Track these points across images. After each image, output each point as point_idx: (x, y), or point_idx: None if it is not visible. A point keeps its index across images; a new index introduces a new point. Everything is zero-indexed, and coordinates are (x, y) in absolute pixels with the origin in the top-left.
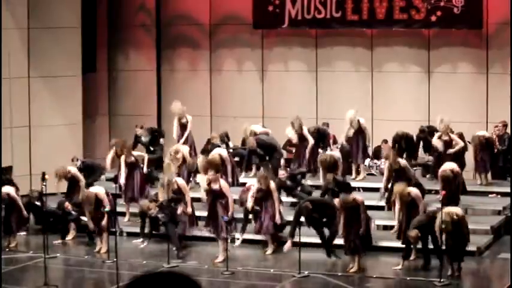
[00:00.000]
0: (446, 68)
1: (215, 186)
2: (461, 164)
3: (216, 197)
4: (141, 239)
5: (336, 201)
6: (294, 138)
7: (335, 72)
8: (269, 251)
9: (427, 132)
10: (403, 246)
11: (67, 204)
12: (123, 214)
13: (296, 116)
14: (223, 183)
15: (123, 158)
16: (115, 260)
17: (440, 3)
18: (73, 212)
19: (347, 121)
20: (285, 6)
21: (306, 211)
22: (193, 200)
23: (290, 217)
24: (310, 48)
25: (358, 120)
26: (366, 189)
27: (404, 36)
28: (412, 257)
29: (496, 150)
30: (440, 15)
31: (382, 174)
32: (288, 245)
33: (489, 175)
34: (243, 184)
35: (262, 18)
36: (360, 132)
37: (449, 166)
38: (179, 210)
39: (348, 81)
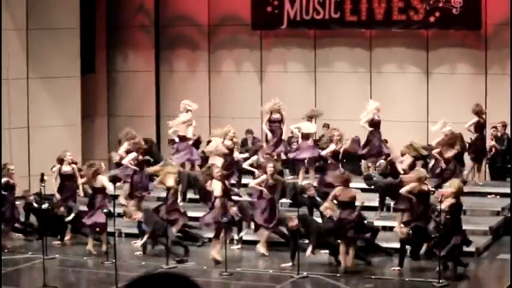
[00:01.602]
0: (445, 69)
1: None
2: (461, 165)
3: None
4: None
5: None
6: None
7: (334, 73)
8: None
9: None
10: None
11: (62, 209)
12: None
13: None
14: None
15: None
16: (113, 261)
17: (439, 4)
18: (66, 216)
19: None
20: (284, 7)
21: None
22: (192, 200)
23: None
24: (308, 49)
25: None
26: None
27: (403, 37)
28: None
29: (494, 150)
30: (438, 16)
31: (381, 174)
32: (287, 265)
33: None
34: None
35: (261, 19)
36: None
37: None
38: (174, 230)
39: (346, 82)
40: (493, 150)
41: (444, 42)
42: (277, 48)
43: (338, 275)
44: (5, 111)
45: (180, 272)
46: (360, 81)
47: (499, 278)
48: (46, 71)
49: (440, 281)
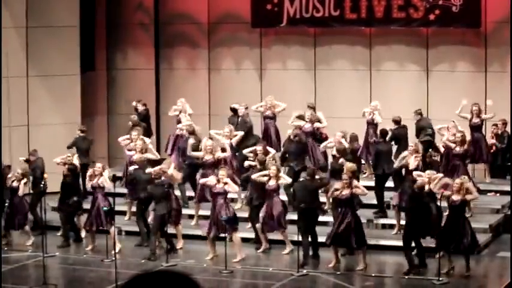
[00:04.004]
0: (444, 67)
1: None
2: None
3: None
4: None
5: None
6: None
7: (333, 71)
8: (261, 249)
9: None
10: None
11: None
12: (122, 213)
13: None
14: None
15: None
16: (113, 259)
17: (439, 2)
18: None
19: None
20: (283, 5)
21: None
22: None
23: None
24: (308, 46)
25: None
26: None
27: (402, 34)
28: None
29: (494, 148)
30: (438, 13)
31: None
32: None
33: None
34: None
35: (261, 17)
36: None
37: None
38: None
39: (346, 80)
40: (493, 148)
41: (444, 40)
42: (277, 46)
43: (338, 272)
44: (4, 110)
45: (180, 270)
46: (359, 79)
47: (498, 276)
48: (46, 69)
49: (440, 279)
